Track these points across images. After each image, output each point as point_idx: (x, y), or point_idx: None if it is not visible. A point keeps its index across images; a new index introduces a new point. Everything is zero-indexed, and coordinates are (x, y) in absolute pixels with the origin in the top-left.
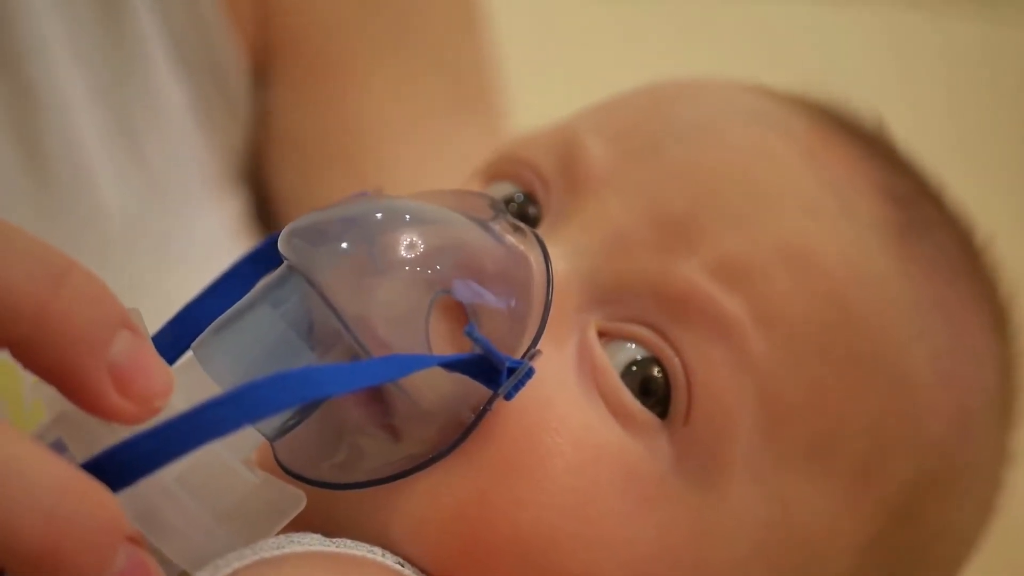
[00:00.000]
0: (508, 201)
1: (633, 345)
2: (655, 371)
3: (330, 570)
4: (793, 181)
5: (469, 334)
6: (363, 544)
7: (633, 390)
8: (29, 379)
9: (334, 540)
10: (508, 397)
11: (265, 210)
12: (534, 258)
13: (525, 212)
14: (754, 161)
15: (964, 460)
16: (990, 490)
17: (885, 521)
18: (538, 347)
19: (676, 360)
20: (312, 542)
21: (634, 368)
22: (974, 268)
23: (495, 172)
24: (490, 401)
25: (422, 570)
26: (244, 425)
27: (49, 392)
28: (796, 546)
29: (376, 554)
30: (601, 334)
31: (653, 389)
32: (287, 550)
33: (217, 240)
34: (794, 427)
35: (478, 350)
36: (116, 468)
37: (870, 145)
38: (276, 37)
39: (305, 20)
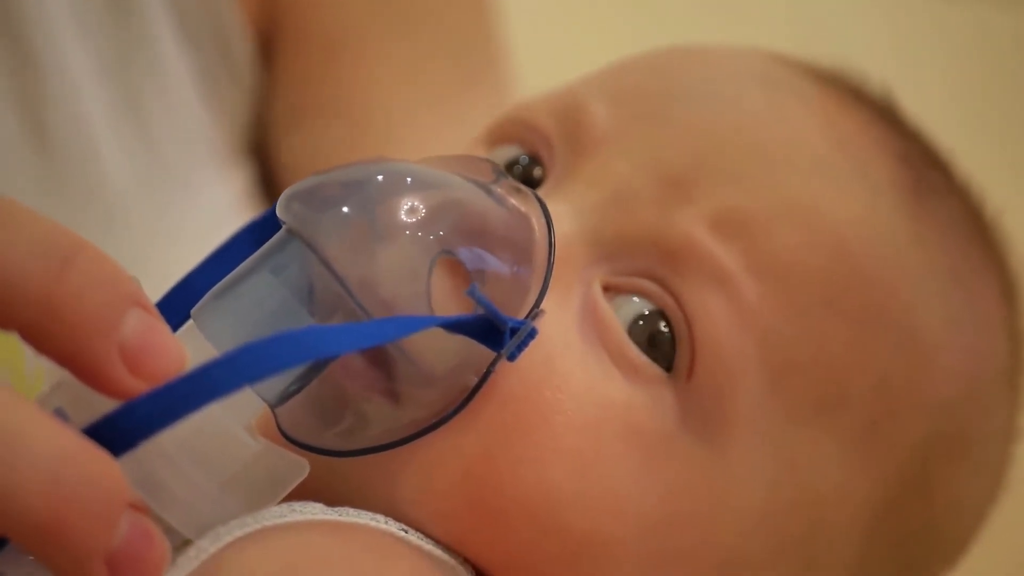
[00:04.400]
0: (513, 164)
1: (638, 299)
2: (661, 325)
3: (333, 538)
4: (804, 139)
5: (471, 294)
6: (365, 512)
7: (640, 344)
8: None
9: (336, 509)
10: (511, 358)
11: (270, 183)
12: (536, 219)
13: (530, 174)
14: (765, 120)
15: (975, 427)
16: (1000, 466)
17: (895, 487)
18: (541, 307)
19: (679, 312)
20: (314, 511)
21: (641, 322)
22: (985, 237)
23: (499, 135)
24: (493, 363)
25: (428, 534)
26: (244, 385)
27: (51, 363)
28: (804, 509)
29: (379, 521)
30: (606, 288)
31: (659, 342)
32: (289, 519)
33: (221, 213)
34: (800, 381)
35: (480, 311)
36: (116, 433)
37: (881, 112)
38: (282, 12)
39: None
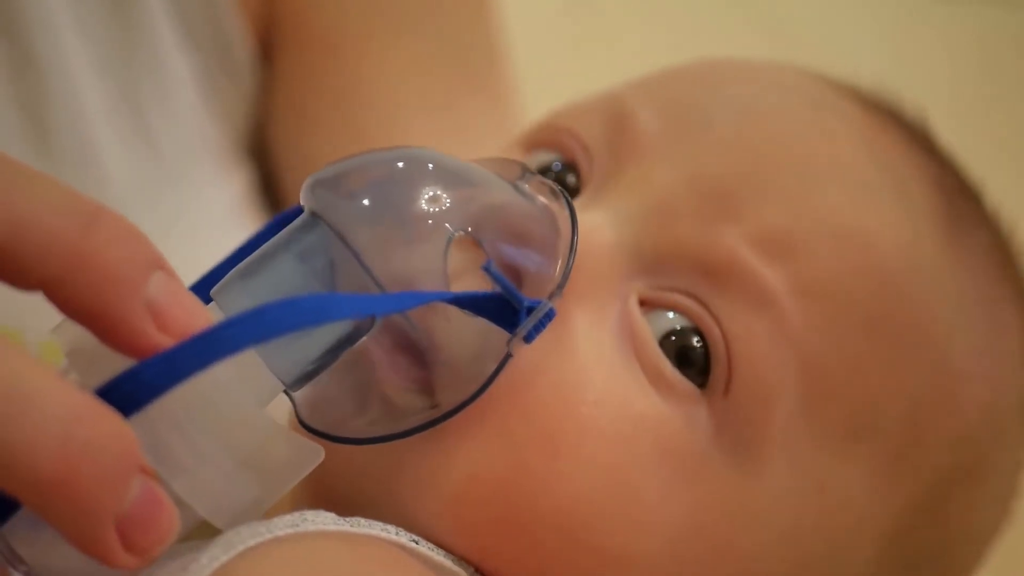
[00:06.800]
0: (546, 169)
1: (673, 314)
2: (694, 340)
3: (344, 549)
4: (848, 158)
5: (486, 269)
6: (376, 522)
7: (672, 359)
8: (33, 340)
9: (348, 519)
10: (528, 339)
11: (271, 186)
12: (559, 212)
13: (563, 181)
14: (808, 137)
15: (993, 458)
16: (1009, 496)
17: (913, 512)
18: (562, 291)
19: (716, 330)
20: (326, 521)
21: (673, 337)
22: (1012, 270)
23: (536, 140)
24: (509, 343)
25: (444, 546)
26: (250, 343)
27: (67, 338)
28: (825, 531)
29: (390, 532)
30: (643, 302)
31: (692, 359)
32: (301, 528)
33: (222, 214)
34: (834, 405)
35: (497, 289)
36: (125, 395)
37: (917, 137)
38: (282, 14)
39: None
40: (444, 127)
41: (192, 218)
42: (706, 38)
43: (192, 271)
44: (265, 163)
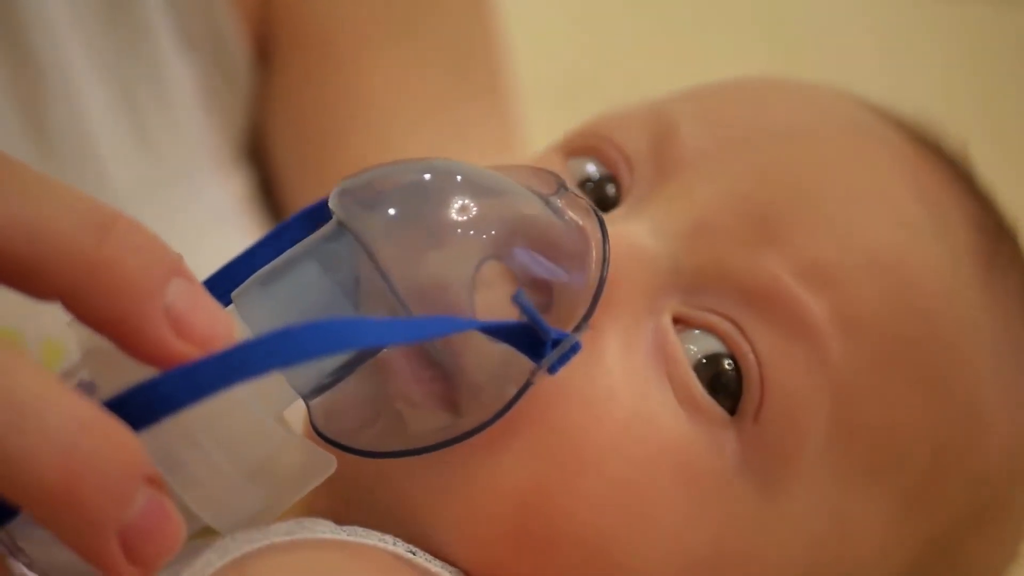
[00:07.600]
0: (586, 180)
1: (708, 336)
2: (726, 364)
3: (340, 558)
4: (890, 191)
5: (515, 299)
6: (374, 532)
7: (703, 382)
8: (33, 340)
9: (344, 528)
10: (552, 371)
11: (269, 188)
12: (592, 234)
13: (603, 191)
14: (851, 165)
15: (1008, 500)
16: (1019, 539)
17: (927, 551)
18: (589, 323)
19: (751, 356)
20: (323, 529)
21: (705, 360)
22: None
23: (576, 147)
24: (532, 373)
25: (453, 559)
26: (275, 368)
27: (84, 336)
28: (841, 564)
29: (387, 542)
30: (677, 320)
31: (724, 383)
32: (297, 536)
33: (221, 216)
34: (860, 439)
35: (525, 319)
36: (138, 407)
37: (958, 171)
38: (280, 17)
39: (312, 2)
40: (441, 131)
41: (191, 219)
42: (707, 37)
43: (192, 271)
44: (263, 165)
